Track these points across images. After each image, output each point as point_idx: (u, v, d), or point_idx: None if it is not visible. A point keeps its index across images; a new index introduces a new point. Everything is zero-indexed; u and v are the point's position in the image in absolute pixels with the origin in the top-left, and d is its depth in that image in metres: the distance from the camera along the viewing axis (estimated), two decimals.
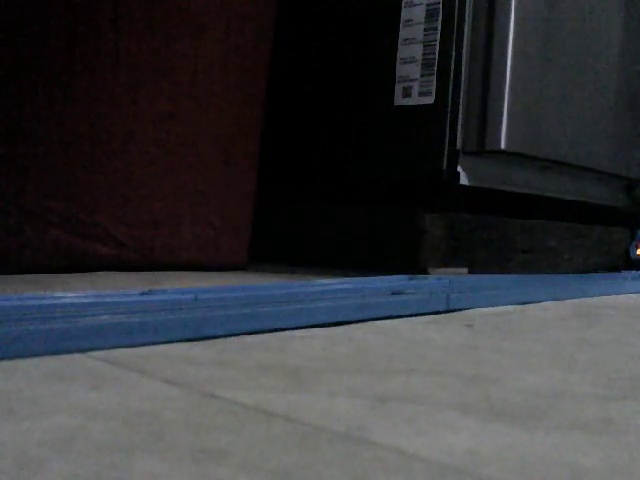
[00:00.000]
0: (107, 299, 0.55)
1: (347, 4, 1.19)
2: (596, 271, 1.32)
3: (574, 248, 1.30)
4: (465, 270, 1.08)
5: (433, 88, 1.07)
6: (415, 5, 1.09)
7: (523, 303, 0.84)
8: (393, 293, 0.74)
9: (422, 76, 1.08)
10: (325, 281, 0.80)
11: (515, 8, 1.05)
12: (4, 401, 0.34)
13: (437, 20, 1.07)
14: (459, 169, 1.05)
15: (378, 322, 0.65)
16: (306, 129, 1.24)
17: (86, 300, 0.54)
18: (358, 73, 1.17)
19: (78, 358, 0.45)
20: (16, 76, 0.89)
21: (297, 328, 0.59)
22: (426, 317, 0.70)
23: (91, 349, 0.46)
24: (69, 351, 0.45)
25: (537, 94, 1.11)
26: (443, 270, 1.05)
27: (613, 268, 1.38)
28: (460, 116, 1.06)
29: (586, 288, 0.99)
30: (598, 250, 1.37)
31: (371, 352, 0.51)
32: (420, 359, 0.49)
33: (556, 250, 1.26)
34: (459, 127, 1.05)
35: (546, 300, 0.88)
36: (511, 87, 1.05)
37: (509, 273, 1.13)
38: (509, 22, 1.05)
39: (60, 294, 0.55)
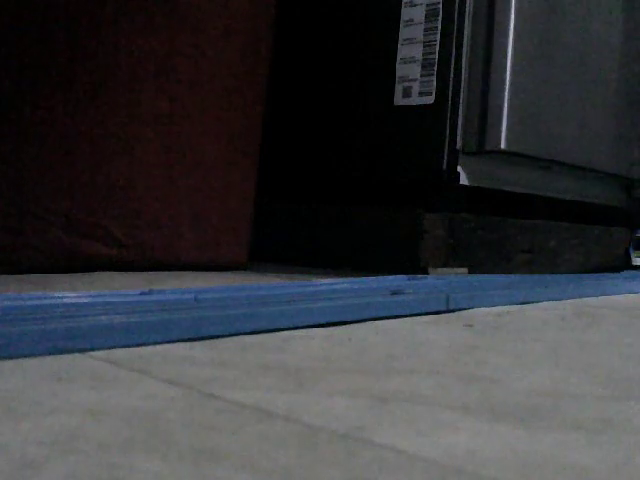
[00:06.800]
0: (107, 299, 0.55)
1: (347, 4, 1.19)
2: (596, 271, 1.32)
3: (574, 248, 1.30)
4: (465, 270, 1.08)
5: (433, 88, 1.07)
6: (415, 5, 1.09)
7: (523, 303, 0.84)
8: (393, 293, 0.74)
9: (422, 76, 1.08)
10: (325, 281, 0.80)
11: (515, 8, 1.05)
12: (4, 401, 0.34)
13: (437, 20, 1.07)
14: (459, 169, 1.05)
15: (378, 322, 0.65)
16: (306, 129, 1.24)
17: (86, 300, 0.54)
18: (358, 73, 1.17)
19: (78, 358, 0.45)
20: (16, 76, 0.89)
21: (297, 328, 0.59)
22: (426, 317, 0.70)
23: (91, 349, 0.46)
24: (69, 351, 0.45)
25: (537, 94, 1.11)
26: (443, 270, 1.05)
27: (613, 268, 1.38)
28: (460, 116, 1.06)
29: (586, 288, 0.99)
30: (598, 250, 1.37)
31: (371, 352, 0.51)
32: (420, 359, 0.49)
33: (556, 250, 1.26)
34: (459, 127, 1.05)
35: (546, 300, 0.88)
36: (511, 87, 1.05)
37: (509, 273, 1.13)
38: (509, 22, 1.05)
39: (60, 294, 0.55)
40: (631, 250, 1.37)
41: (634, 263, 1.34)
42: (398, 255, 1.08)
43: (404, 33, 1.10)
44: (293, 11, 1.24)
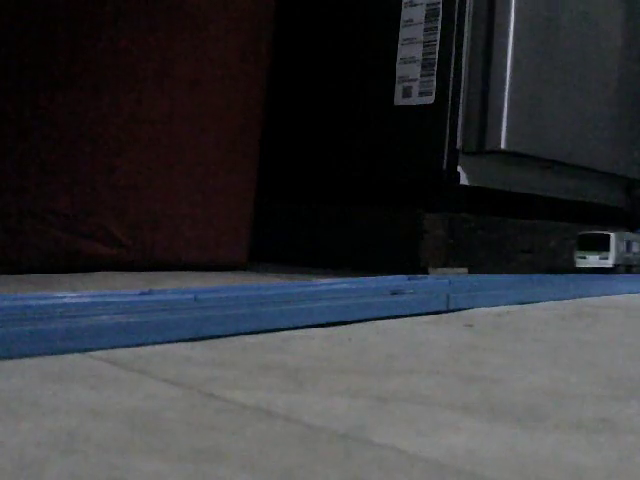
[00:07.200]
0: (107, 299, 0.55)
1: (347, 4, 1.19)
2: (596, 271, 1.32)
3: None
4: (465, 270, 1.08)
5: (433, 88, 1.07)
6: (415, 5, 1.09)
7: (523, 303, 0.84)
8: (393, 293, 0.74)
9: (422, 76, 1.08)
10: (325, 281, 0.80)
11: (515, 8, 1.05)
12: (4, 401, 0.34)
13: (437, 20, 1.07)
14: (459, 169, 1.05)
15: (378, 322, 0.65)
16: (306, 129, 1.24)
17: (86, 300, 0.54)
18: (358, 73, 1.17)
19: (78, 358, 0.45)
20: (16, 76, 0.89)
21: (297, 328, 0.59)
22: (426, 317, 0.70)
23: (91, 349, 0.46)
24: (69, 351, 0.45)
25: (537, 94, 1.11)
26: (443, 270, 1.05)
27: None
28: (460, 116, 1.06)
29: (586, 288, 0.99)
30: None
31: (371, 352, 0.51)
32: (420, 359, 0.49)
33: (556, 250, 1.26)
34: (459, 127, 1.05)
35: (546, 300, 0.88)
36: (511, 87, 1.05)
37: (509, 273, 1.13)
38: (509, 22, 1.05)
39: (60, 294, 0.55)
40: (575, 251, 1.19)
41: (577, 265, 1.17)
42: (398, 255, 1.08)
43: (404, 33, 1.10)
44: (293, 11, 1.24)
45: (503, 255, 1.16)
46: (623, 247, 1.19)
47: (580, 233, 1.19)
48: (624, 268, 1.21)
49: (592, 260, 1.17)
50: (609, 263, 1.17)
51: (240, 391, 0.38)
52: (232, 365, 0.45)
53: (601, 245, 1.17)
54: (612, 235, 1.16)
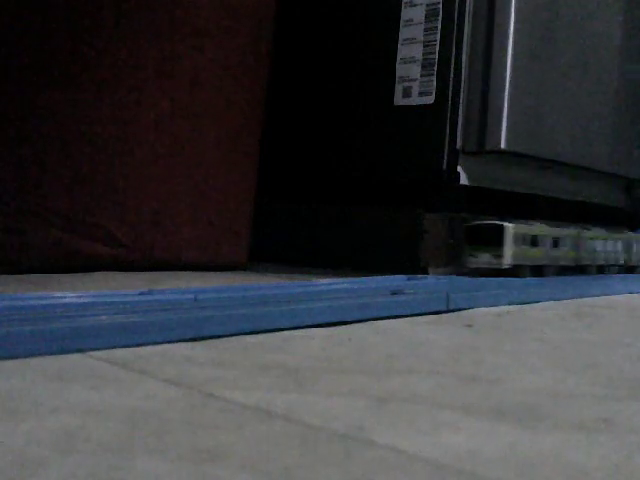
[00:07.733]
0: (107, 299, 0.55)
1: (347, 4, 1.19)
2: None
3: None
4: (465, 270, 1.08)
5: (433, 88, 1.07)
6: (415, 5, 1.09)
7: (523, 303, 0.84)
8: (393, 293, 0.74)
9: (422, 76, 1.08)
10: (325, 281, 0.80)
11: (515, 8, 1.05)
12: (4, 401, 0.34)
13: (437, 20, 1.07)
14: (459, 169, 1.05)
15: (378, 322, 0.65)
16: (306, 129, 1.24)
17: (86, 300, 0.54)
18: (358, 73, 1.17)
19: (78, 358, 0.45)
20: (16, 76, 0.89)
21: (297, 328, 0.59)
22: (426, 317, 0.70)
23: (91, 349, 0.46)
24: (69, 351, 0.45)
25: (537, 94, 1.11)
26: (443, 270, 1.05)
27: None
28: (460, 116, 1.05)
29: (586, 288, 0.99)
30: None
31: (371, 352, 0.51)
32: (420, 359, 0.49)
33: None
34: (459, 127, 1.05)
35: (546, 300, 0.88)
36: (511, 87, 1.05)
37: None
38: (509, 22, 1.05)
39: (60, 294, 0.55)
40: (464, 246, 0.96)
41: (468, 265, 0.95)
42: (398, 255, 1.08)
43: (404, 33, 1.10)
44: (293, 11, 1.24)
45: None
46: (526, 243, 0.95)
47: (470, 224, 0.96)
48: (529, 270, 0.98)
49: (483, 259, 0.94)
50: (503, 263, 0.93)
51: (240, 391, 0.38)
52: (232, 365, 0.45)
53: (495, 240, 0.93)
54: (506, 227, 0.92)
